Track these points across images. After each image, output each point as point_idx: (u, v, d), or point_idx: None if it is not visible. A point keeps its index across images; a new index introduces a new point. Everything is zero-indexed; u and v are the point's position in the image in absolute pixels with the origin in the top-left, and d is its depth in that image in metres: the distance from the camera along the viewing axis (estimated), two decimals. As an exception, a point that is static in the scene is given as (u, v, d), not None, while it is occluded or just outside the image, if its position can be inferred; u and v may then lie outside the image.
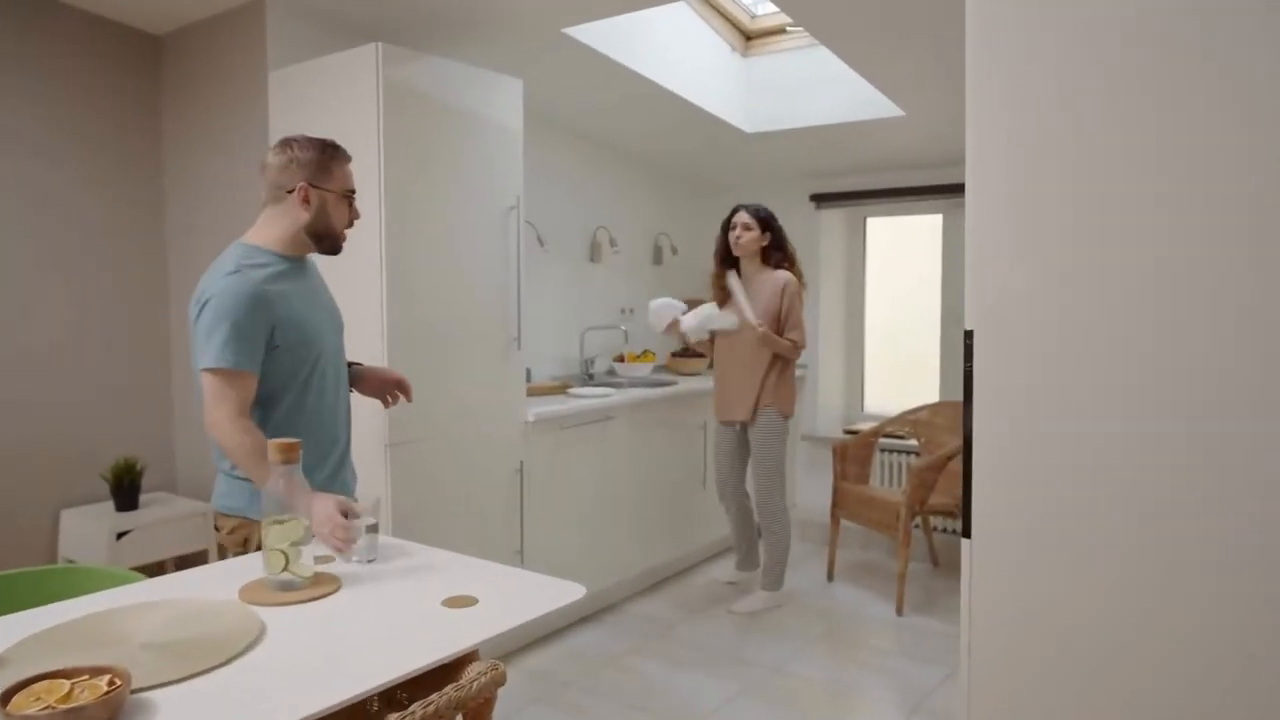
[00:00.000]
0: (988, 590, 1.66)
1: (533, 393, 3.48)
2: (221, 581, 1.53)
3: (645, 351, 4.45)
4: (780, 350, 3.48)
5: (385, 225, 2.59)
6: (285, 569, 1.47)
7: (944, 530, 4.31)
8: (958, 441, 3.74)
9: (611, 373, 4.38)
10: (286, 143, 1.83)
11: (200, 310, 1.73)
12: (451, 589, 1.47)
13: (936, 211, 4.54)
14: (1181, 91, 1.43)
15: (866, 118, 3.73)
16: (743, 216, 3.52)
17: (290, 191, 1.80)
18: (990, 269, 1.63)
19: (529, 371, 3.76)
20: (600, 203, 4.37)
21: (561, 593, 1.48)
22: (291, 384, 1.82)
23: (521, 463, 3.06)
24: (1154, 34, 1.45)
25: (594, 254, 4.31)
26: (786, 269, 3.54)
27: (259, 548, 1.68)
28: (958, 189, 4.24)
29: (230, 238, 1.88)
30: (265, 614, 1.36)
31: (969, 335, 1.65)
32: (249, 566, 1.61)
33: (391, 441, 2.64)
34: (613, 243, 4.32)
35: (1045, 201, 1.56)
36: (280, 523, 1.47)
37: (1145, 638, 1.50)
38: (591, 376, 4.19)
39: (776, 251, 3.55)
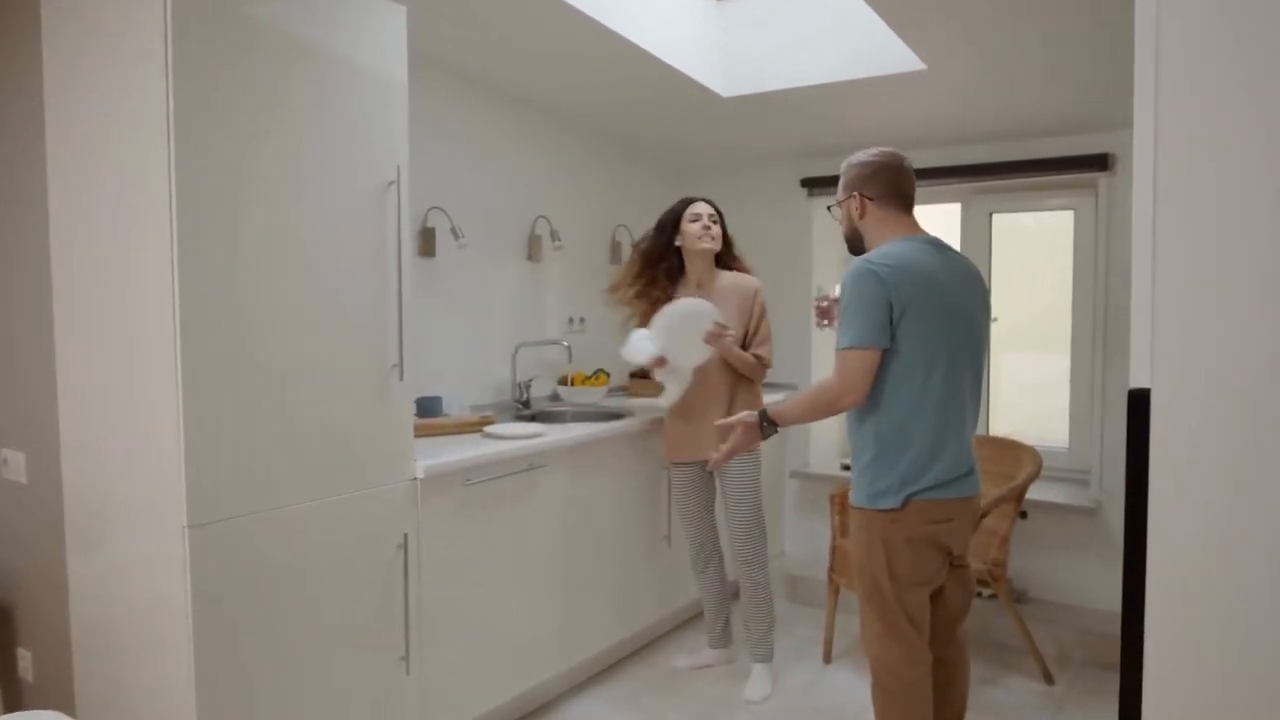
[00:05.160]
0: None
1: (436, 432, 2.64)
2: None
3: (597, 372, 3.59)
4: (747, 369, 2.87)
5: (177, 215, 1.74)
6: None
7: (967, 592, 3.48)
8: (994, 491, 2.90)
9: (556, 398, 3.53)
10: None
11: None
12: None
13: (954, 199, 3.73)
14: None
15: (874, 73, 2.91)
16: (706, 207, 2.93)
17: None
18: (1187, 306, 0.84)
19: (439, 402, 2.91)
20: (540, 186, 3.52)
21: None
22: None
23: (406, 536, 2.21)
24: None
25: (532, 251, 3.46)
26: (738, 270, 2.99)
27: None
28: (985, 170, 3.47)
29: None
30: None
31: (1141, 397, 0.84)
32: None
33: (193, 521, 1.78)
34: (555, 236, 3.47)
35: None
36: None
37: None
38: (527, 404, 3.33)
39: (729, 250, 3.00)
